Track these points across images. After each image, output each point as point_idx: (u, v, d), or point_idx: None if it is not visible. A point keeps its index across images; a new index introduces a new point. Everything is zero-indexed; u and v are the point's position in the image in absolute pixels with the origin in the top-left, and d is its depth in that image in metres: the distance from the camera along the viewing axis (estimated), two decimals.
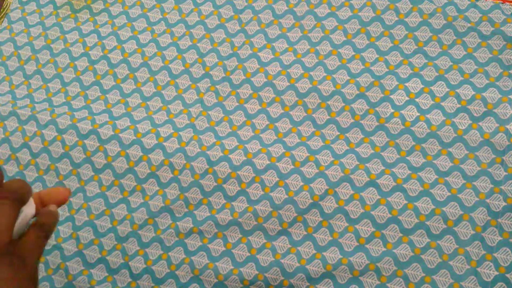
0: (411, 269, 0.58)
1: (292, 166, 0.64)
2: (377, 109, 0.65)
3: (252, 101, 0.68)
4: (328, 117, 0.66)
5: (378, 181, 0.62)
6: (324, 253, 0.60)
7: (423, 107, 0.64)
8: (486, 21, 0.66)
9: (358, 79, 0.66)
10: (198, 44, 0.72)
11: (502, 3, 0.67)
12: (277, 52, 0.70)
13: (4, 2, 0.80)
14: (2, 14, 0.79)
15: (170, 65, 0.72)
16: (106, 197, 0.66)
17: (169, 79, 0.71)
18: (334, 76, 0.67)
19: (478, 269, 0.57)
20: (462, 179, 0.61)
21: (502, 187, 0.59)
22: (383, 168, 0.62)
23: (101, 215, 0.65)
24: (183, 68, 0.71)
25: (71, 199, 0.67)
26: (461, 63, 0.65)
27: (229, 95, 0.69)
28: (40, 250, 0.38)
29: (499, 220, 0.58)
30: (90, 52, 0.74)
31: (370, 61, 0.67)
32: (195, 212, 0.64)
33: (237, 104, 0.68)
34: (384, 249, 0.59)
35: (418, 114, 0.64)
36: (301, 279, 0.59)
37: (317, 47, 0.69)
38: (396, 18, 0.68)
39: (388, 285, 0.58)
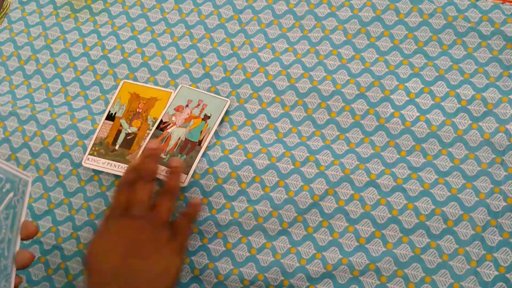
0: (411, 269, 0.58)
1: (292, 166, 0.64)
2: (377, 109, 0.65)
3: (252, 101, 0.68)
4: (328, 117, 0.66)
5: (378, 181, 0.62)
6: (324, 253, 0.60)
7: (423, 107, 0.64)
8: (486, 21, 0.66)
9: (358, 79, 0.66)
10: (198, 44, 0.72)
11: (502, 3, 0.67)
12: (277, 52, 0.70)
13: (4, 2, 0.80)
14: (2, 14, 0.79)
15: (170, 65, 0.72)
16: (106, 197, 0.66)
17: (169, 79, 0.71)
18: (334, 76, 0.67)
19: (478, 269, 0.57)
20: (462, 179, 0.61)
21: (502, 187, 0.59)
22: (383, 168, 0.62)
23: (101, 214, 0.65)
24: (183, 68, 0.71)
25: (71, 199, 0.67)
26: (461, 63, 0.65)
27: (229, 95, 0.69)
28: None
29: (499, 220, 0.58)
30: (90, 52, 0.74)
31: (370, 61, 0.67)
32: None
33: (237, 104, 0.68)
34: (384, 249, 0.59)
35: (418, 114, 0.64)
36: (301, 279, 0.59)
37: (317, 47, 0.69)
38: (396, 18, 0.68)
39: (388, 285, 0.58)
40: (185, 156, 0.65)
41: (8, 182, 0.48)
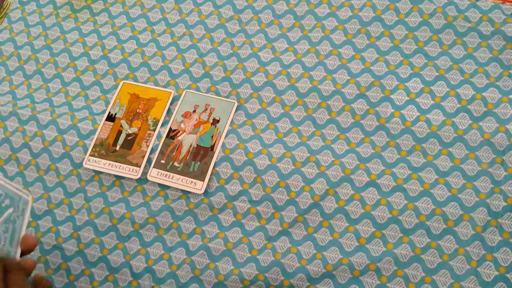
0: (411, 269, 0.58)
1: (293, 167, 0.64)
2: (377, 109, 0.65)
3: (252, 100, 0.68)
4: (328, 117, 0.66)
5: (378, 181, 0.62)
6: (325, 253, 0.60)
7: (423, 107, 0.64)
8: (486, 21, 0.66)
9: (358, 79, 0.66)
10: (198, 44, 0.72)
11: (502, 3, 0.67)
12: (277, 52, 0.70)
13: (4, 2, 0.80)
14: (2, 14, 0.79)
15: (170, 65, 0.72)
16: (106, 196, 0.66)
17: (169, 79, 0.71)
18: (334, 76, 0.67)
19: (478, 269, 0.57)
20: (462, 179, 0.61)
21: (502, 187, 0.59)
22: (383, 168, 0.62)
23: (101, 214, 0.65)
24: (183, 67, 0.71)
25: (71, 199, 0.67)
26: (461, 63, 0.65)
27: (229, 94, 0.69)
28: None
29: (499, 220, 0.58)
30: (90, 51, 0.74)
31: (370, 61, 0.67)
32: (196, 210, 0.64)
33: (237, 104, 0.68)
34: (384, 249, 0.59)
35: (418, 114, 0.64)
36: (302, 279, 0.60)
37: (317, 47, 0.69)
38: (396, 18, 0.68)
39: (388, 285, 0.58)
40: (199, 163, 0.65)
41: (7, 198, 0.49)
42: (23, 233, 0.51)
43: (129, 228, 0.64)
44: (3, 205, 0.49)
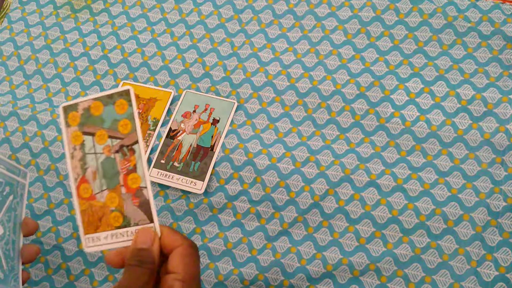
0: (411, 269, 0.58)
1: (293, 167, 0.64)
2: (377, 109, 0.65)
3: (252, 100, 0.68)
4: (328, 117, 0.66)
5: (378, 181, 0.62)
6: (325, 253, 0.60)
7: (423, 107, 0.64)
8: (486, 21, 0.66)
9: (358, 79, 0.66)
10: (198, 44, 0.72)
11: (502, 3, 0.67)
12: (277, 52, 0.70)
13: (4, 2, 0.80)
14: (2, 14, 0.79)
15: (170, 65, 0.72)
16: None
17: (169, 79, 0.71)
18: (334, 76, 0.67)
19: (478, 269, 0.57)
20: (462, 179, 0.61)
21: (502, 187, 0.59)
22: (383, 168, 0.62)
23: None
24: (183, 67, 0.71)
25: (71, 199, 0.67)
26: (461, 63, 0.65)
27: (229, 94, 0.69)
28: None
29: (499, 220, 0.58)
30: (90, 52, 0.74)
31: (370, 61, 0.67)
32: (196, 211, 0.64)
33: (237, 104, 0.68)
34: (384, 249, 0.59)
35: (418, 114, 0.64)
36: (301, 279, 0.60)
37: (317, 47, 0.69)
38: (396, 18, 0.68)
39: (388, 285, 0.58)
40: (199, 163, 0.65)
41: (7, 185, 0.49)
42: (23, 217, 0.51)
43: None
44: (4, 193, 0.48)
